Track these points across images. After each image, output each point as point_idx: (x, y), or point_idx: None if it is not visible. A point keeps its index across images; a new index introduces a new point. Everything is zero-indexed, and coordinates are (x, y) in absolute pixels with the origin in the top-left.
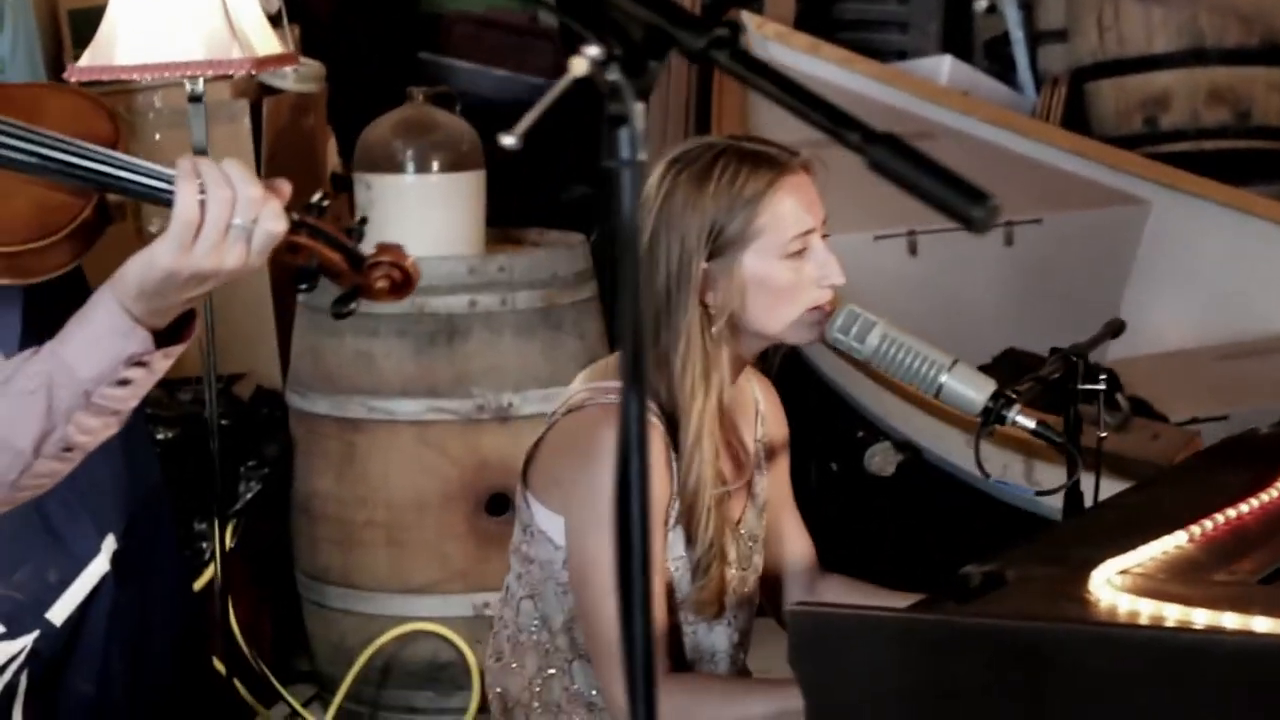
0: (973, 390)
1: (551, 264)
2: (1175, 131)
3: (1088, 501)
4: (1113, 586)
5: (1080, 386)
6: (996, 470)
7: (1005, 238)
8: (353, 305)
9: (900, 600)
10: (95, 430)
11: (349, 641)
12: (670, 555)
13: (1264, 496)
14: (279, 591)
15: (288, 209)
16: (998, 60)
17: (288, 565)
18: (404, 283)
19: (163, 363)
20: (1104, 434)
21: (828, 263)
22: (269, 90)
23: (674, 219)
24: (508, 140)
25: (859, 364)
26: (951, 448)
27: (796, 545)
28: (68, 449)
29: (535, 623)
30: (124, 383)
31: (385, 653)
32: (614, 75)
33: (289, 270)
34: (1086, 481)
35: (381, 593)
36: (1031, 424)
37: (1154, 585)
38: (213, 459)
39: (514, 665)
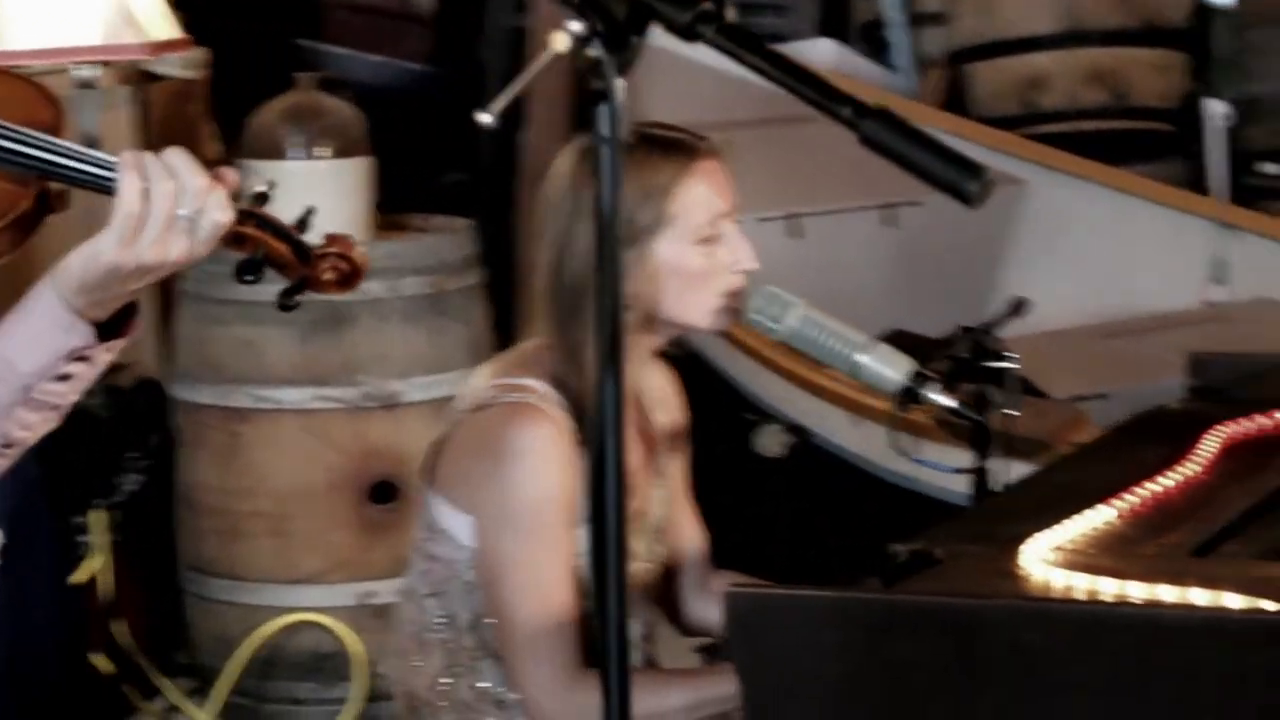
0: (891, 370)
1: (439, 250)
2: (1054, 112)
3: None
4: (1045, 562)
5: (988, 365)
6: (878, 451)
7: (886, 219)
8: (299, 298)
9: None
10: (34, 425)
11: (232, 633)
12: (579, 551)
13: (1184, 470)
14: (159, 585)
15: (233, 198)
16: (873, 43)
17: (169, 558)
18: (352, 274)
19: (105, 356)
20: (1016, 413)
21: (740, 248)
22: (150, 77)
23: (585, 208)
24: (484, 119)
25: (744, 347)
26: (835, 429)
27: (691, 538)
28: (7, 445)
29: (440, 620)
30: (64, 377)
31: (268, 644)
32: (596, 51)
33: (233, 261)
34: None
35: (265, 583)
36: (952, 403)
37: (1086, 560)
38: (92, 451)
39: (418, 663)
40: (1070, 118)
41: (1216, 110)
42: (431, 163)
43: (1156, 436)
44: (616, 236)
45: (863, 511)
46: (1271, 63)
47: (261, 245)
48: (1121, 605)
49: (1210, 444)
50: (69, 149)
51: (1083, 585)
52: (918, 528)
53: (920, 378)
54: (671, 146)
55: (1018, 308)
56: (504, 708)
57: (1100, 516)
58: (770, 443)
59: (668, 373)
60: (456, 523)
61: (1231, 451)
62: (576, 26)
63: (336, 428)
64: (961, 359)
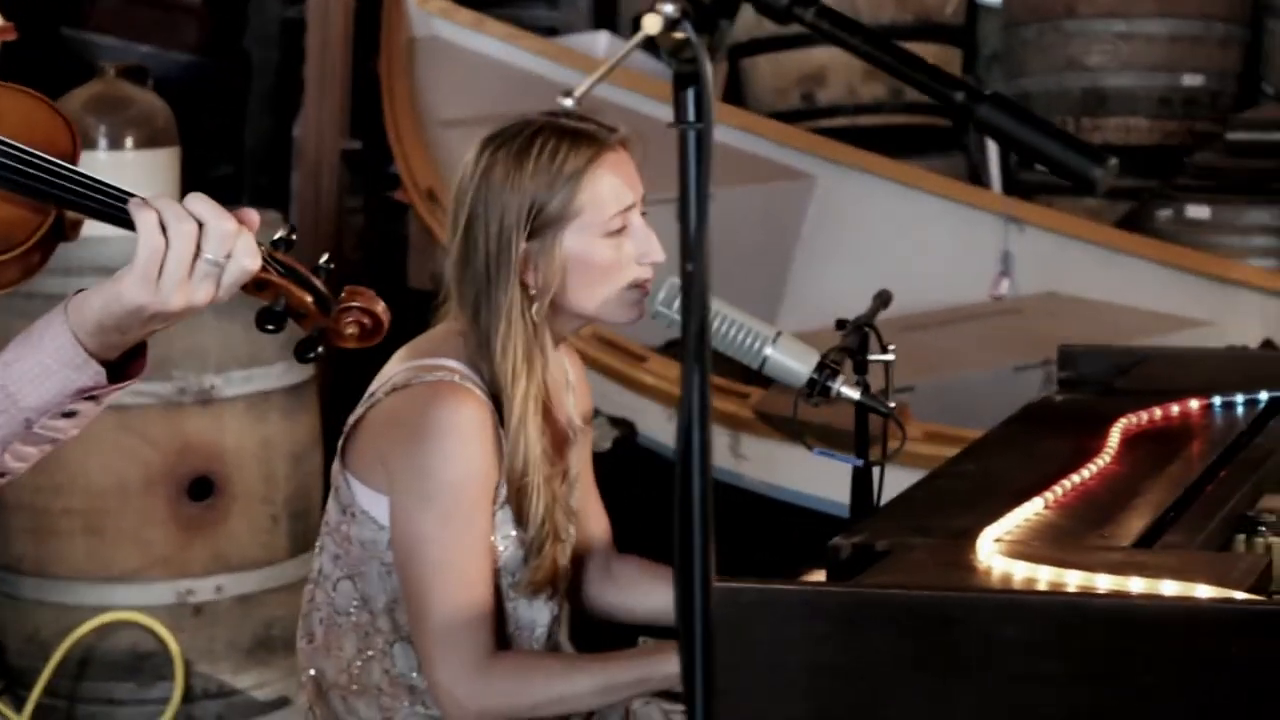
0: (797, 362)
1: None
2: (832, 107)
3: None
4: (1000, 554)
5: (870, 358)
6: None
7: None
8: (319, 350)
9: None
10: (30, 458)
11: (44, 634)
12: (498, 535)
13: (1099, 461)
14: None
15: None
16: None
17: None
18: (374, 329)
19: (111, 397)
20: (894, 405)
21: (648, 240)
22: None
23: (493, 198)
24: (567, 102)
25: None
26: (655, 424)
27: (596, 523)
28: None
29: (355, 604)
30: (69, 414)
31: (83, 644)
32: (686, 33)
33: (254, 308)
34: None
35: (80, 582)
36: (856, 395)
37: (1034, 551)
38: None
39: (330, 648)
40: (849, 112)
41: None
42: (200, 155)
43: (1051, 429)
44: (704, 232)
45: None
46: (1040, 59)
47: (283, 294)
48: (1097, 596)
49: (1113, 435)
50: (88, 178)
51: (1045, 576)
52: (744, 527)
53: (825, 370)
54: (579, 136)
55: (886, 301)
56: (415, 693)
57: (1032, 508)
58: (597, 438)
59: (573, 359)
60: (374, 504)
61: (1132, 442)
62: (668, 8)
63: (151, 423)
64: (848, 351)
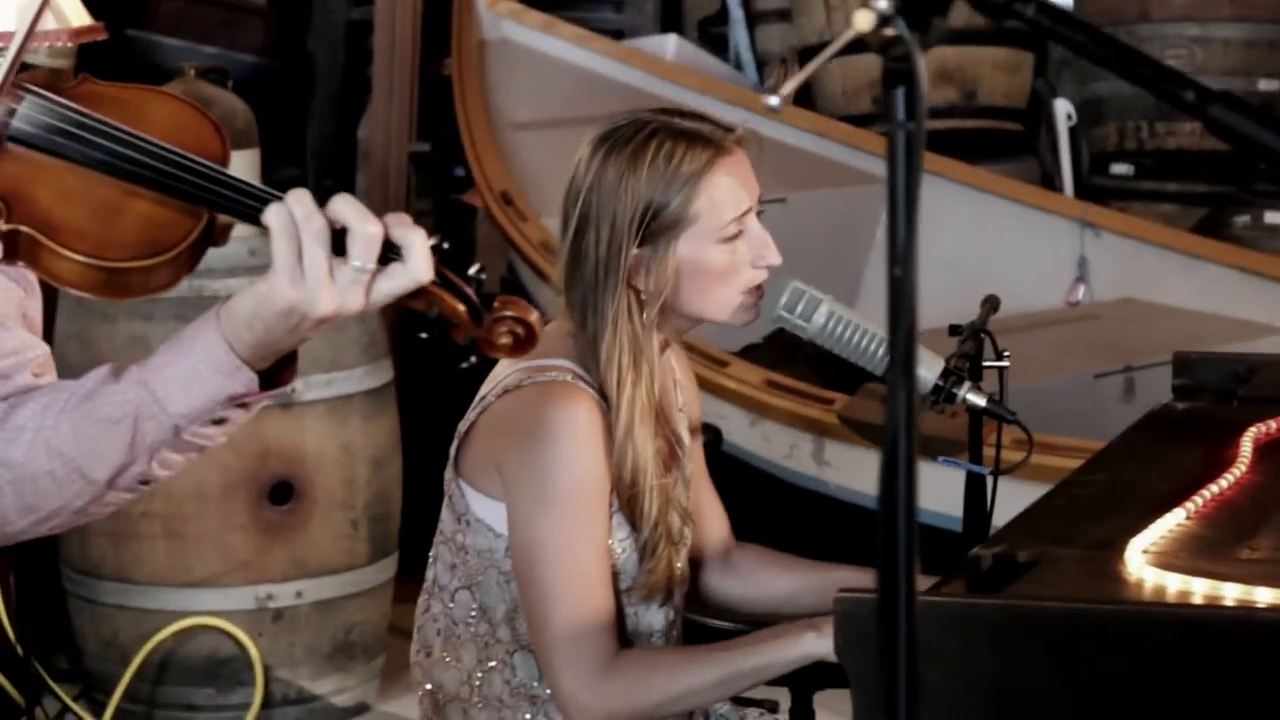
0: (923, 368)
1: None
2: None
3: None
4: (1149, 565)
5: (985, 364)
6: (783, 450)
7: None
8: (472, 360)
9: (819, 569)
10: (177, 465)
11: (123, 638)
12: (615, 538)
13: (1235, 471)
14: (39, 587)
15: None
16: (709, 40)
17: (50, 560)
18: (527, 339)
19: (260, 404)
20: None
21: (764, 243)
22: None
23: (605, 200)
24: (772, 101)
25: None
26: (736, 431)
27: (714, 519)
28: (143, 482)
29: (473, 614)
30: (219, 421)
31: (162, 649)
32: (898, 29)
33: (404, 313)
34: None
35: (159, 586)
36: (982, 402)
37: (1182, 563)
38: None
39: (448, 659)
40: None
41: (1062, 110)
42: (265, 156)
43: (1178, 437)
44: (914, 237)
45: (773, 515)
46: None
47: (437, 302)
48: (1261, 611)
49: (1245, 444)
50: (241, 181)
51: (1201, 589)
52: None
53: (951, 376)
54: (696, 139)
55: (995, 306)
56: (537, 702)
57: (1174, 519)
58: None
59: (680, 357)
60: (491, 511)
61: (1265, 451)
62: (881, 3)
63: None
64: (967, 357)
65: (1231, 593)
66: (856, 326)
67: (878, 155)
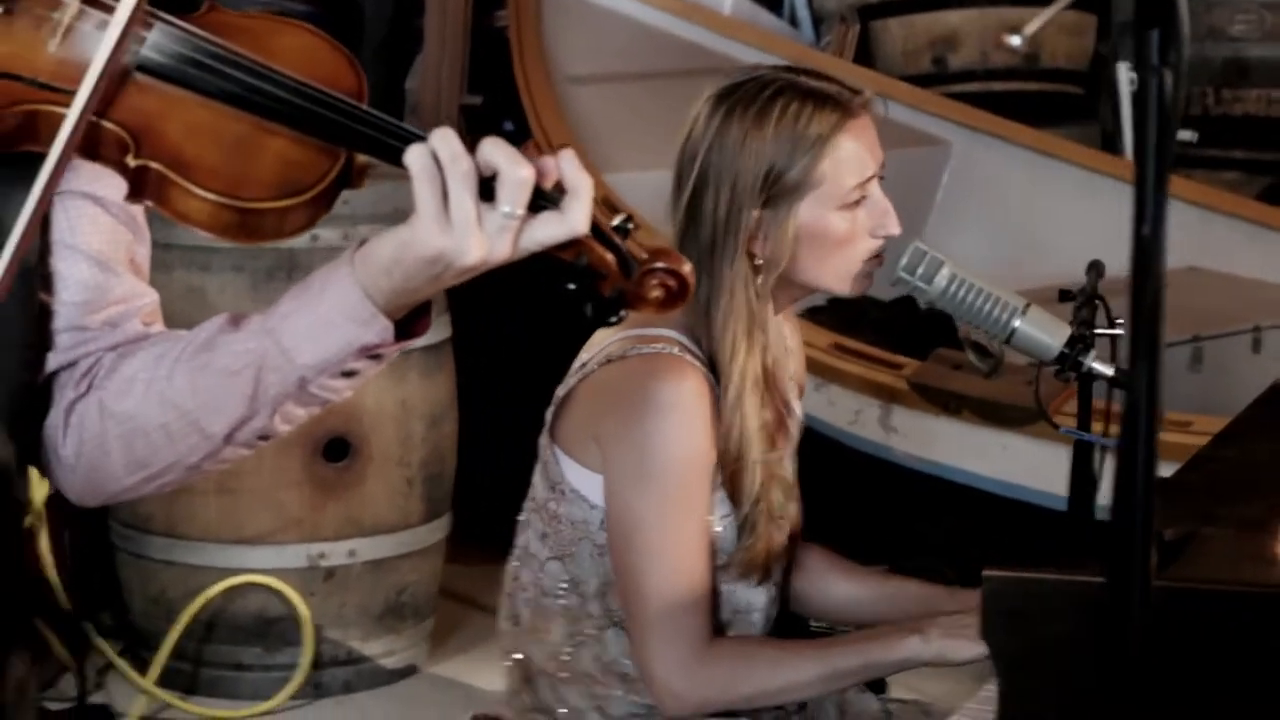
0: (1047, 335)
1: (394, 197)
2: (964, 72)
3: None
4: None
5: (1098, 332)
6: (848, 416)
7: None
8: (621, 314)
9: (883, 580)
10: (298, 420)
11: (170, 595)
12: (715, 515)
13: None
14: (87, 540)
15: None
16: None
17: (100, 515)
18: (680, 292)
19: (393, 355)
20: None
21: (885, 212)
22: None
23: (726, 160)
24: (1015, 40)
25: None
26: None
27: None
28: (264, 437)
29: (564, 586)
30: (349, 374)
31: (210, 606)
32: None
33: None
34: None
35: (210, 543)
36: (1110, 371)
37: None
38: None
39: (536, 631)
40: (981, 78)
41: (1125, 74)
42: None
43: None
44: (1164, 194)
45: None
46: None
47: (585, 252)
48: None
49: None
50: (380, 117)
51: None
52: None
53: (1078, 344)
54: (824, 100)
55: (1101, 271)
56: (629, 681)
57: None
58: None
59: (792, 323)
60: (587, 482)
61: None
62: None
63: None
64: (1085, 324)
65: None
66: (979, 289)
67: (938, 116)
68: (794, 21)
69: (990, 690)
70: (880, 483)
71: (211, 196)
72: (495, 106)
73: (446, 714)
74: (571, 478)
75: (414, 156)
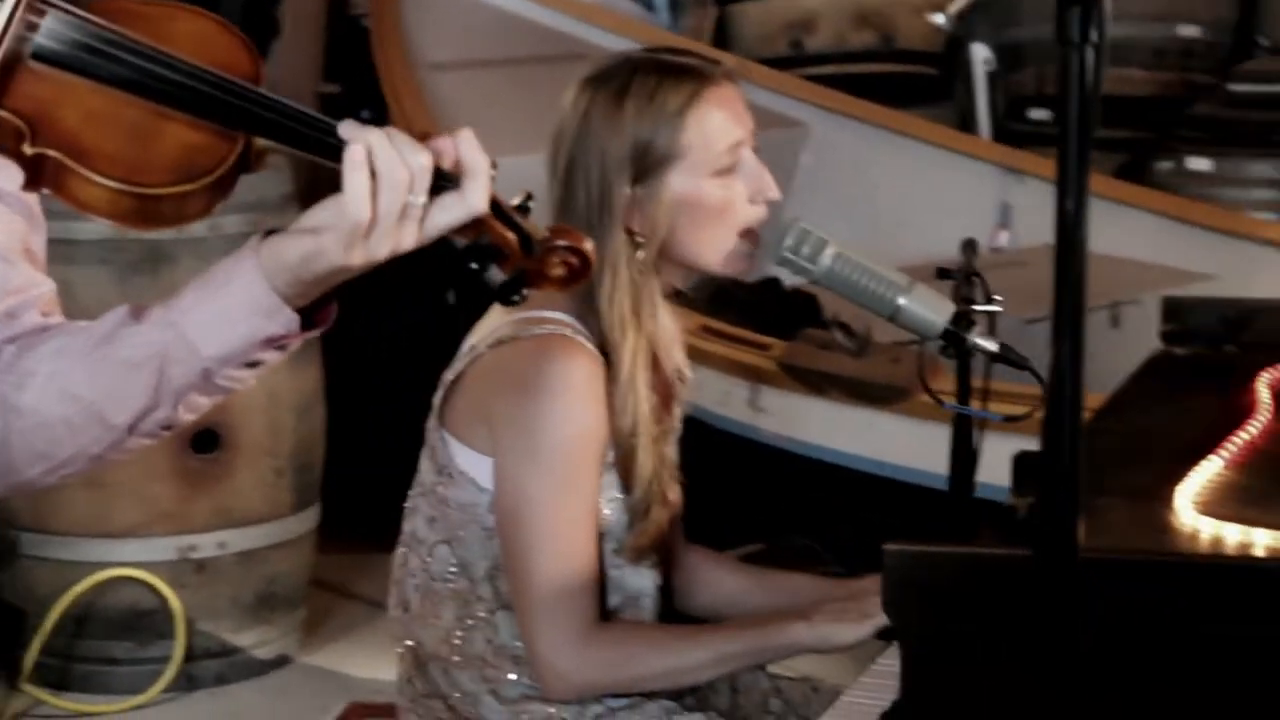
0: (932, 312)
1: (259, 187)
2: (820, 54)
3: None
4: (1200, 515)
5: (978, 309)
6: (716, 397)
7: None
8: (524, 292)
9: (764, 575)
10: (201, 409)
11: (41, 591)
12: (604, 498)
13: (1259, 418)
14: None
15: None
16: None
17: None
18: (582, 269)
19: (296, 345)
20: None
21: (761, 176)
22: None
23: (593, 141)
24: (939, 19)
25: None
26: None
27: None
28: (167, 427)
29: (453, 570)
30: (253, 364)
31: (81, 601)
32: None
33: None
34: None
35: (79, 538)
36: (994, 347)
37: (1235, 513)
38: None
39: (427, 616)
40: (838, 60)
41: (979, 55)
42: None
43: (1188, 384)
44: (1086, 169)
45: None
46: (1033, 7)
47: (488, 231)
48: None
49: (1262, 390)
50: (278, 100)
51: (1264, 541)
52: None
53: (963, 321)
54: (681, 71)
55: (974, 248)
56: (521, 663)
57: (1211, 468)
58: None
59: (676, 313)
60: (476, 465)
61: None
62: None
63: None
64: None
65: None
66: (864, 268)
67: (795, 98)
68: (651, 6)
69: (884, 665)
70: (749, 463)
71: (110, 183)
72: (353, 95)
73: (321, 703)
74: (460, 461)
75: (355, 181)
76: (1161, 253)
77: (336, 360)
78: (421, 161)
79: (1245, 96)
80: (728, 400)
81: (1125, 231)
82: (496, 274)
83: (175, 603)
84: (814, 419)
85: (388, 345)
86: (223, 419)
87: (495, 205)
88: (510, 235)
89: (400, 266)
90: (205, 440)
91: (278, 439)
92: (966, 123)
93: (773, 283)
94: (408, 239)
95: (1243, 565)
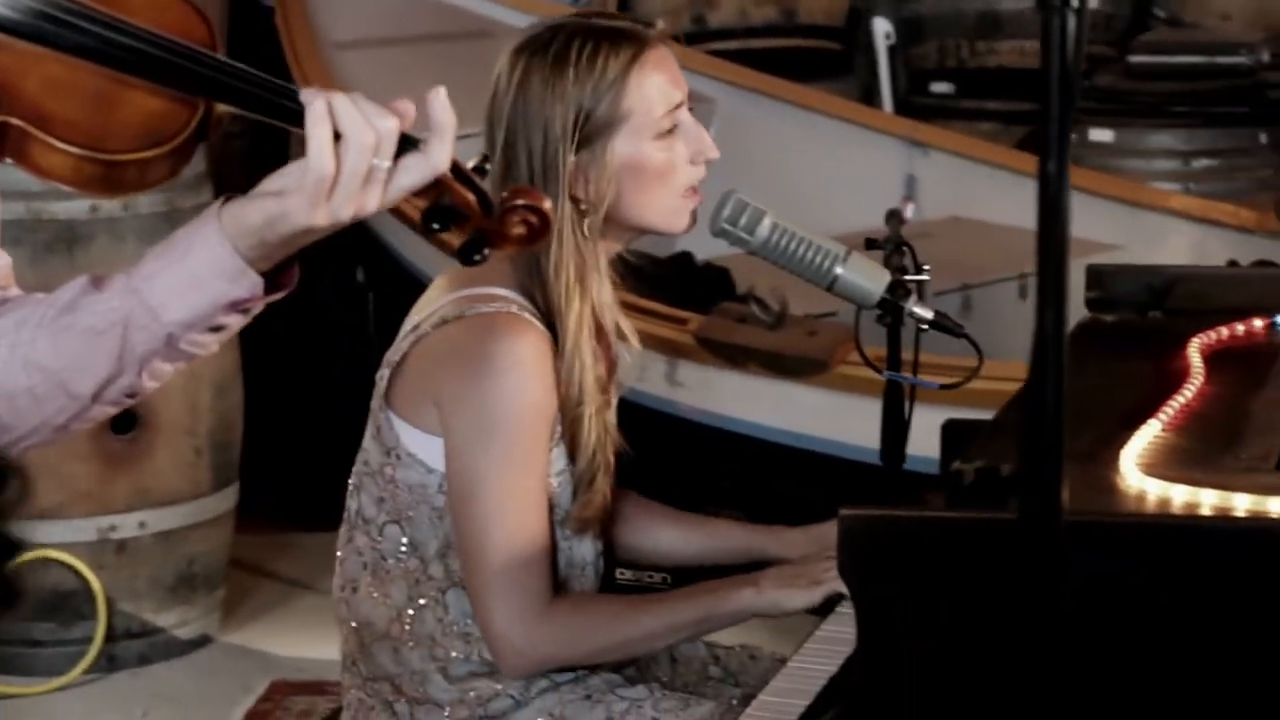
0: (869, 281)
1: None
2: (724, 30)
3: None
4: (1148, 477)
5: (908, 278)
6: (633, 373)
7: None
8: (485, 252)
9: (697, 522)
10: (164, 376)
11: None
12: (552, 471)
13: (1193, 382)
14: None
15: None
16: None
17: None
18: (541, 228)
19: (259, 308)
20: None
21: (700, 137)
22: None
23: (533, 110)
24: None
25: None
26: None
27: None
28: (131, 395)
29: (403, 549)
30: (216, 329)
31: (1, 583)
32: None
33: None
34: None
35: None
36: (929, 314)
37: (1178, 474)
38: None
39: (375, 596)
40: (740, 35)
41: (880, 29)
42: None
43: (1120, 350)
44: (1067, 132)
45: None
46: None
47: (448, 192)
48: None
49: (1193, 355)
50: (234, 65)
51: (1211, 501)
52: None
53: (899, 289)
54: (619, 36)
55: (901, 219)
56: (470, 640)
57: (1150, 431)
58: None
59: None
60: (424, 446)
61: (1214, 361)
62: None
63: None
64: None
65: (1243, 503)
66: (801, 238)
67: (701, 73)
68: None
69: (829, 630)
70: (668, 437)
71: (74, 150)
72: None
73: (244, 682)
74: (407, 442)
75: (318, 137)
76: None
77: (250, 339)
78: (389, 125)
79: (1143, 68)
80: (645, 375)
81: (1030, 203)
82: (458, 235)
83: (96, 583)
84: (731, 392)
85: (295, 324)
86: (142, 399)
87: (454, 167)
88: (470, 196)
89: (309, 245)
90: (124, 420)
91: (196, 418)
92: (869, 97)
93: (685, 257)
94: (371, 202)
95: (1221, 527)
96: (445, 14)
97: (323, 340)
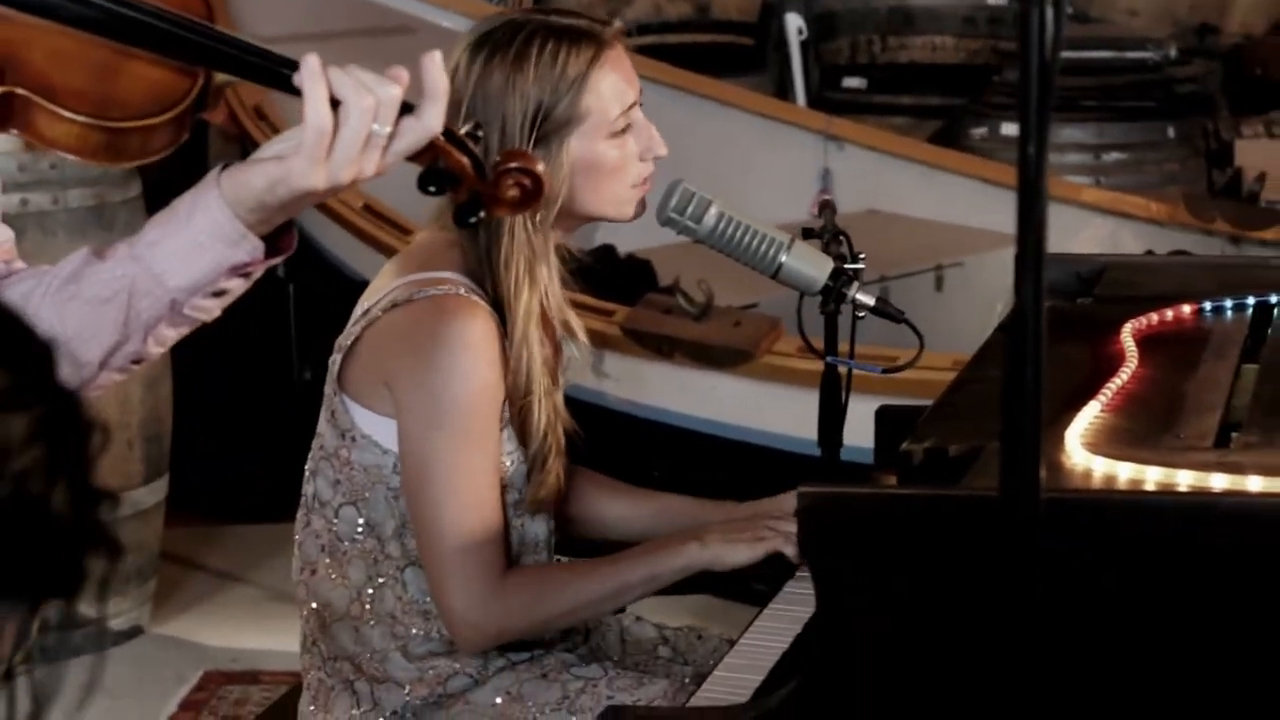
0: (813, 268)
1: None
2: (639, 25)
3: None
4: (1094, 455)
5: (848, 266)
6: (584, 371)
7: None
8: (480, 214)
9: (645, 496)
10: (169, 341)
11: None
12: (504, 452)
13: (1129, 365)
14: None
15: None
16: None
17: None
18: (534, 191)
19: (260, 273)
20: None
21: (650, 135)
22: None
23: (492, 105)
24: None
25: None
26: None
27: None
28: (136, 361)
29: (360, 531)
30: (219, 293)
31: None
32: None
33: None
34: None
35: None
36: (871, 301)
37: (1121, 453)
38: None
39: (334, 577)
40: (655, 30)
41: (793, 24)
42: None
43: (1054, 336)
44: (1047, 118)
45: None
46: None
47: (443, 156)
48: (1218, 496)
49: (1127, 340)
50: (237, 39)
51: (1155, 477)
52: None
53: (843, 276)
54: (578, 35)
55: (835, 209)
56: (429, 618)
57: (1090, 412)
58: None
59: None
60: (378, 427)
61: (1148, 346)
62: None
63: None
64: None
65: (1185, 479)
66: (746, 226)
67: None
68: None
69: (778, 608)
70: (594, 428)
71: (80, 118)
72: None
73: (177, 672)
74: (362, 424)
75: (314, 96)
76: (980, 216)
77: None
78: (391, 92)
79: None
80: (570, 365)
81: (944, 197)
82: (453, 197)
83: None
84: (658, 383)
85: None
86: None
87: (447, 131)
88: (464, 159)
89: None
90: None
91: (127, 410)
92: (782, 92)
93: (608, 249)
94: (370, 165)
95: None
96: (366, 10)
97: (245, 333)
